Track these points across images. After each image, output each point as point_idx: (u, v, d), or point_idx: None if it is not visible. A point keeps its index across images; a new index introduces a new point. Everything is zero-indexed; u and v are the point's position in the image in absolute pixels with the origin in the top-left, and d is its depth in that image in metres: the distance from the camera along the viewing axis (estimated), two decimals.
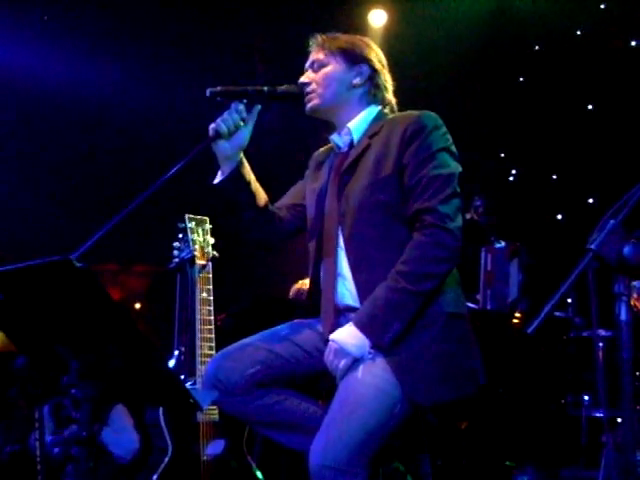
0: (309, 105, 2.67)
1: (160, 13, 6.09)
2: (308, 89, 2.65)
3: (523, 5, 6.15)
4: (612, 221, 1.86)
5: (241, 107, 2.57)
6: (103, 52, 6.04)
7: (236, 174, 2.62)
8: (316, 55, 2.69)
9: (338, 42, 2.69)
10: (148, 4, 6.06)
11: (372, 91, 2.69)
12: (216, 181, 2.65)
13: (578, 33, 6.27)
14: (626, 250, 1.86)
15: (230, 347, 2.64)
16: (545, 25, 6.20)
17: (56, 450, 4.04)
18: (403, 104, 2.76)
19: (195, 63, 6.11)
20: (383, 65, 2.72)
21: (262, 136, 2.66)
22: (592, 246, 1.84)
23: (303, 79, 2.68)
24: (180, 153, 2.36)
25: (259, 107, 2.61)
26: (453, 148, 2.57)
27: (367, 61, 2.67)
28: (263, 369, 2.56)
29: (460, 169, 2.55)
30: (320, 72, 2.66)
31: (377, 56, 2.71)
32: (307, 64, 2.71)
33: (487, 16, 6.16)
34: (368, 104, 2.69)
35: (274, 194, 2.83)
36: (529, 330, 1.79)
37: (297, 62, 2.77)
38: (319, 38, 2.70)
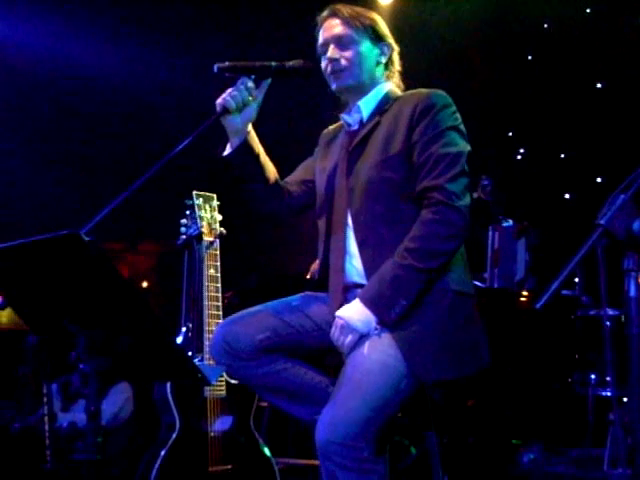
0: (339, 83, 2.62)
1: None
2: (338, 66, 2.60)
3: None
4: (622, 196, 1.86)
5: (250, 83, 2.56)
6: (110, 32, 6.03)
7: (245, 146, 2.61)
8: (340, 30, 2.62)
9: (364, 18, 2.64)
10: None
11: (389, 69, 2.69)
12: (225, 153, 2.65)
13: (587, 11, 6.22)
14: (636, 225, 1.85)
15: (240, 312, 2.65)
16: (554, 3, 6.16)
17: (65, 426, 4.08)
18: (410, 83, 2.75)
19: (204, 39, 6.09)
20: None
21: (270, 113, 2.65)
22: (601, 221, 1.84)
23: (332, 54, 2.61)
24: (188, 130, 2.35)
25: (269, 81, 2.59)
26: (462, 127, 2.56)
27: (387, 39, 2.67)
28: (272, 336, 2.57)
29: (469, 148, 2.54)
30: (351, 50, 2.61)
31: (389, 33, 2.70)
32: (327, 37, 2.63)
33: None
34: (379, 82, 2.68)
35: (283, 171, 2.82)
36: (537, 305, 1.79)
37: (305, 37, 2.75)
38: (343, 11, 2.64)
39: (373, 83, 2.66)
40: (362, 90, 2.66)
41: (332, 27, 2.64)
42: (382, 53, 2.66)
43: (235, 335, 2.57)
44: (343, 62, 2.61)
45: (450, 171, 2.45)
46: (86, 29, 5.96)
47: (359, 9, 2.68)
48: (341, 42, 2.62)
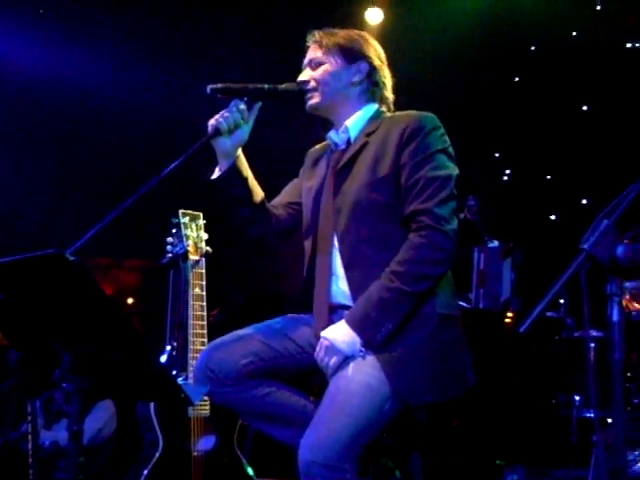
0: (309, 103, 2.66)
1: (160, 8, 6.07)
2: (307, 87, 2.64)
3: (519, 6, 6.14)
4: (605, 221, 1.87)
5: (242, 105, 2.56)
6: (102, 46, 6.02)
7: (234, 170, 2.61)
8: (314, 53, 2.67)
9: (336, 39, 2.66)
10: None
11: (371, 89, 2.68)
12: (214, 177, 2.65)
13: (574, 34, 6.28)
14: (619, 251, 1.86)
15: (223, 338, 2.65)
16: (541, 26, 6.20)
17: (47, 444, 4.04)
18: (398, 103, 2.76)
19: (195, 59, 6.10)
20: (382, 61, 2.71)
21: (258, 133, 2.66)
22: (585, 246, 1.84)
23: (302, 77, 2.67)
24: (178, 149, 2.36)
25: (259, 105, 2.61)
26: (451, 150, 2.57)
27: (366, 58, 2.66)
28: (255, 360, 2.56)
29: (457, 171, 2.55)
30: (319, 70, 2.65)
31: (376, 52, 2.70)
32: (305, 61, 2.70)
33: (483, 16, 6.15)
34: (366, 102, 2.69)
35: (269, 192, 2.82)
36: (521, 329, 1.80)
37: (295, 59, 2.76)
38: (317, 35, 2.69)
39: (352, 102, 2.67)
40: (337, 109, 2.67)
41: (310, 51, 2.70)
42: (357, 72, 2.66)
43: (218, 361, 2.56)
44: (312, 83, 2.65)
45: (439, 195, 2.46)
46: (80, 46, 5.95)
47: (341, 32, 2.70)
48: (312, 64, 2.68)
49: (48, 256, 1.96)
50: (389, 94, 2.73)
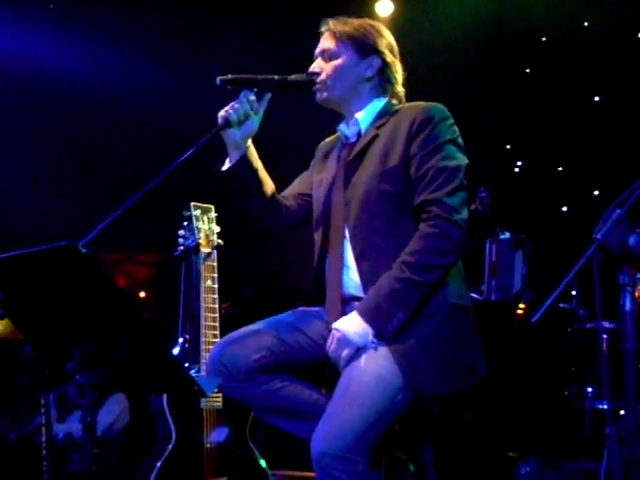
0: (318, 96, 2.65)
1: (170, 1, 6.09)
2: (318, 79, 2.63)
3: None
4: (618, 211, 1.86)
5: (252, 96, 2.56)
6: (113, 38, 6.03)
7: (244, 162, 2.61)
8: (327, 43, 2.65)
9: (350, 30, 2.64)
10: None
11: (382, 84, 2.67)
12: (224, 168, 2.65)
13: (586, 24, 6.24)
14: (631, 240, 1.85)
15: (235, 332, 2.65)
16: (553, 16, 6.17)
17: (60, 436, 4.06)
18: (408, 95, 2.75)
19: (205, 50, 6.10)
20: (395, 55, 2.69)
21: (268, 125, 2.66)
22: (597, 236, 1.84)
23: (313, 68, 2.65)
24: (188, 141, 2.35)
25: (269, 95, 2.60)
26: (460, 140, 2.57)
27: (378, 53, 2.64)
28: (268, 355, 2.57)
29: (467, 161, 2.54)
30: (331, 63, 2.63)
31: (389, 45, 2.68)
32: (317, 50, 2.68)
33: (494, 6, 6.13)
34: (377, 96, 2.68)
35: (280, 184, 2.82)
36: (533, 319, 1.80)
37: (305, 49, 2.76)
38: (330, 24, 2.67)
39: (362, 97, 2.66)
40: (347, 103, 2.66)
41: (323, 40, 2.68)
42: (369, 67, 2.65)
43: (231, 356, 2.57)
44: (323, 76, 2.64)
45: (448, 185, 2.46)
46: (87, 39, 5.96)
47: (355, 21, 2.68)
48: (325, 55, 2.66)
49: (61, 248, 1.96)
50: (401, 88, 2.72)
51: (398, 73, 2.70)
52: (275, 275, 6.29)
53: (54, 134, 6.06)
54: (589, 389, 4.34)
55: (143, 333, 2.15)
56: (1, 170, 5.89)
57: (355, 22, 2.69)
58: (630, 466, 2.04)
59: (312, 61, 2.70)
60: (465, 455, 4.09)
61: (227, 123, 2.54)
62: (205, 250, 3.52)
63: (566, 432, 4.38)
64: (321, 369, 2.66)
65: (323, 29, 2.70)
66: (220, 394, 3.43)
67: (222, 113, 2.56)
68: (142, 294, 6.44)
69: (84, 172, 6.17)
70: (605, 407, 4.18)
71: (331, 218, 2.64)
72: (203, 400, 3.39)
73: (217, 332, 3.42)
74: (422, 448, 2.72)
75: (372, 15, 6.11)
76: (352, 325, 2.42)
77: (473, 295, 4.27)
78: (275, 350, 2.58)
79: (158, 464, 3.31)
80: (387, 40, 2.69)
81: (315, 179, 2.79)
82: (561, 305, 4.49)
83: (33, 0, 5.96)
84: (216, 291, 3.49)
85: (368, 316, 2.41)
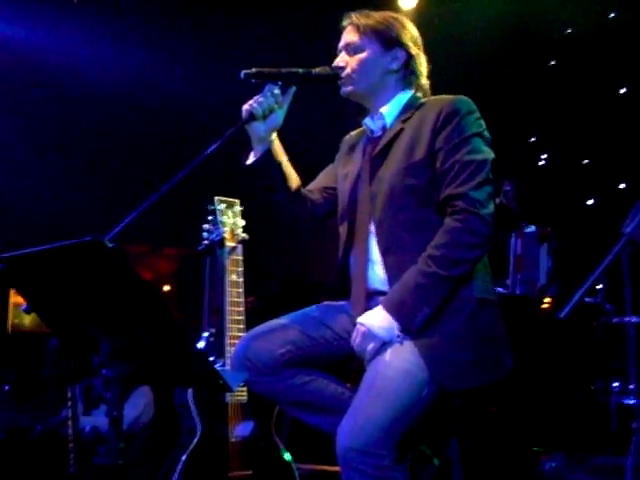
0: (344, 89, 2.65)
1: None
2: (343, 73, 2.62)
3: None
4: None
5: (276, 90, 2.56)
6: (138, 33, 6.05)
7: (269, 155, 2.62)
8: (351, 37, 2.65)
9: (373, 23, 2.63)
10: None
11: (407, 77, 2.66)
12: (249, 162, 2.65)
13: (611, 15, 6.18)
14: None
15: (260, 327, 2.66)
16: (577, 8, 6.12)
17: (87, 429, 4.09)
18: (433, 88, 2.73)
19: (230, 45, 6.10)
20: (419, 47, 2.68)
21: (293, 119, 2.65)
22: (627, 230, 1.82)
23: (338, 62, 2.65)
24: (213, 135, 2.35)
25: (294, 89, 2.60)
26: (486, 133, 2.55)
27: (402, 45, 2.63)
28: (293, 349, 2.57)
29: (493, 155, 2.53)
30: (355, 57, 2.63)
31: (413, 38, 2.67)
32: (341, 44, 2.68)
33: None
34: (402, 89, 2.67)
35: (305, 177, 2.82)
36: (561, 315, 1.78)
37: (328, 42, 2.75)
38: (353, 17, 2.66)
39: (388, 90, 2.65)
40: (373, 97, 2.66)
41: (346, 34, 2.67)
42: (394, 60, 2.64)
43: (256, 350, 2.58)
44: (348, 69, 2.63)
45: (474, 179, 2.44)
46: (104, 36, 5.99)
47: (377, 14, 2.67)
48: (349, 49, 2.65)
49: (87, 243, 1.97)
50: (425, 81, 2.70)
51: (422, 66, 2.69)
52: (300, 269, 6.29)
53: (74, 127, 6.08)
54: (615, 384, 4.30)
55: (169, 327, 2.15)
56: (21, 163, 5.93)
57: (378, 15, 2.68)
58: None
59: (336, 55, 2.69)
60: (491, 449, 4.07)
61: (251, 117, 2.54)
62: (230, 244, 3.52)
63: (592, 427, 4.35)
64: (346, 363, 2.66)
65: (346, 23, 2.69)
66: (245, 388, 3.44)
67: (246, 107, 2.56)
68: (166, 288, 6.47)
69: (109, 166, 6.19)
70: (631, 402, 4.15)
71: (356, 212, 2.64)
72: (228, 394, 3.40)
73: (242, 326, 3.43)
74: (448, 442, 2.71)
75: (395, 8, 6.08)
76: (377, 319, 2.42)
77: (498, 289, 4.25)
78: (300, 344, 2.58)
79: (183, 457, 3.32)
80: (411, 32, 2.68)
81: (340, 173, 2.78)
82: (587, 299, 4.46)
83: None
84: (241, 285, 3.50)
85: (393, 310, 2.40)
